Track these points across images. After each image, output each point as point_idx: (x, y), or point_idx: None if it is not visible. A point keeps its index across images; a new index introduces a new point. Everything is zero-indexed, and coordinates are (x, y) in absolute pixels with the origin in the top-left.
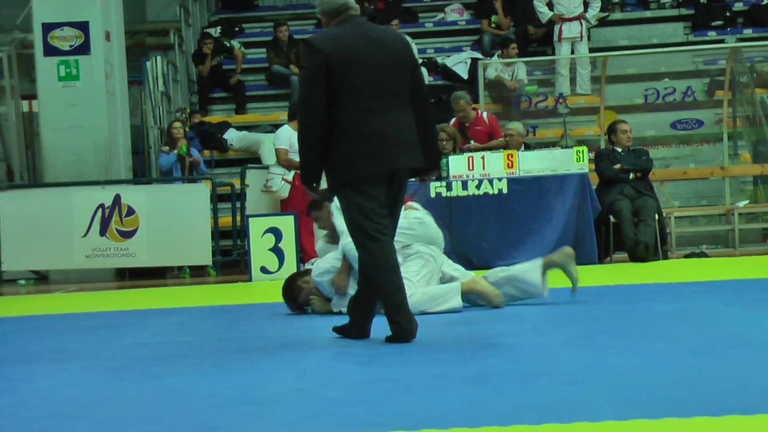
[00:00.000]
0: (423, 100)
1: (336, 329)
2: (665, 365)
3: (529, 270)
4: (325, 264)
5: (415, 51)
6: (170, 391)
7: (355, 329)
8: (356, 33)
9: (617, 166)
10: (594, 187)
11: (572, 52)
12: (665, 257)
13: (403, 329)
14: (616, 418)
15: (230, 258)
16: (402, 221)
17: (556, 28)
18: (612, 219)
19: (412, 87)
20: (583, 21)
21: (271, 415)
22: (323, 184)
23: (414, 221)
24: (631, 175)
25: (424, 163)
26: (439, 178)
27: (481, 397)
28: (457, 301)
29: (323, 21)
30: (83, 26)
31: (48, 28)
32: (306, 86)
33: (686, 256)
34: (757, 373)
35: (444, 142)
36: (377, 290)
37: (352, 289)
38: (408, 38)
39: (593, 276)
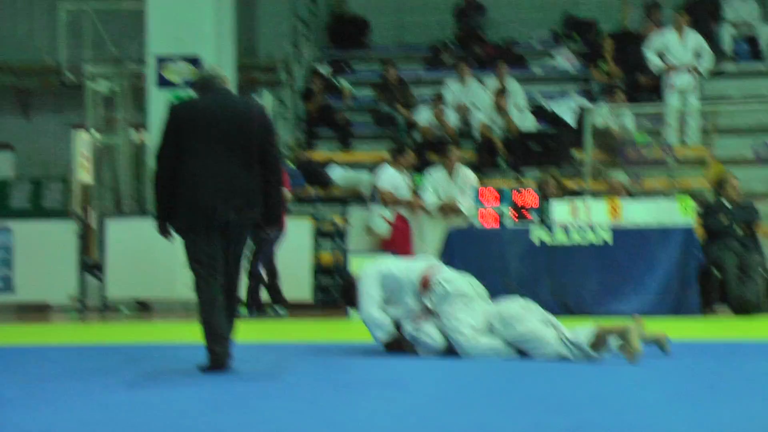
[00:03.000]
0: (271, 162)
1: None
2: None
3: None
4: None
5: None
6: (267, 427)
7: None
8: (212, 100)
9: (724, 219)
10: (699, 239)
11: (682, 103)
12: None
13: (219, 359)
14: None
15: (331, 296)
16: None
17: (666, 78)
18: (716, 272)
19: (261, 150)
20: (693, 72)
21: None
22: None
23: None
24: (738, 230)
25: (256, 214)
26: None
27: None
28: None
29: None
30: (195, 60)
31: (161, 61)
32: (159, 144)
33: None
34: None
35: (551, 187)
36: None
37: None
38: (264, 108)
39: (696, 329)
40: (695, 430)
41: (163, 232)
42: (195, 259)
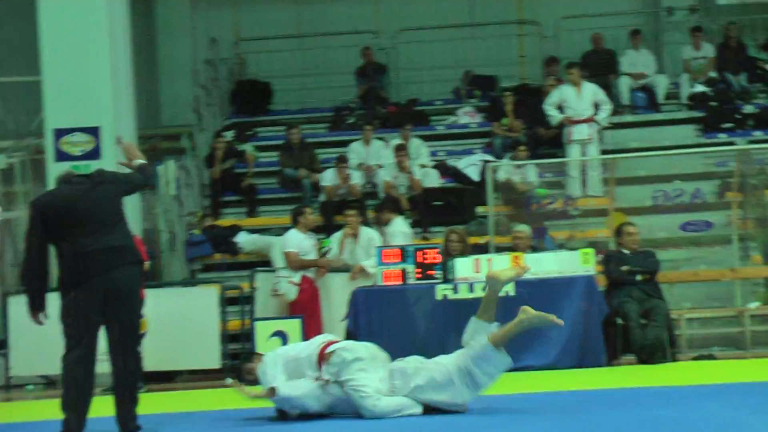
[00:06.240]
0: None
1: None
2: None
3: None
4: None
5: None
6: None
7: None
8: (67, 189)
9: (624, 268)
10: (602, 289)
11: (583, 154)
12: (674, 359)
13: (70, 426)
14: None
15: (239, 362)
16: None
17: (566, 130)
18: (619, 321)
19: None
20: (592, 123)
21: None
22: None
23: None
24: (639, 277)
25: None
26: None
27: None
28: (418, 410)
29: None
30: (94, 131)
31: (60, 133)
32: (27, 232)
33: (694, 359)
34: None
35: (454, 244)
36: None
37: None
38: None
39: (600, 379)
40: None
41: (38, 315)
42: (68, 327)
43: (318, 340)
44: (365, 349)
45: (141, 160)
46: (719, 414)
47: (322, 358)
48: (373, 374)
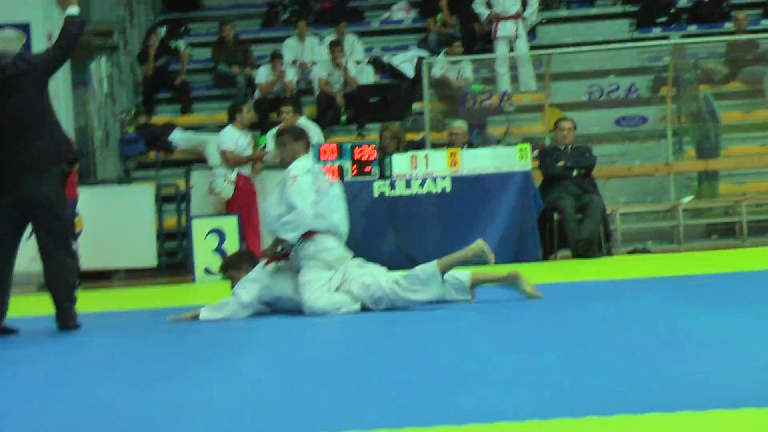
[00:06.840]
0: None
1: None
2: (594, 364)
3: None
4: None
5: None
6: (97, 396)
7: None
8: None
9: (560, 163)
10: (538, 184)
11: (511, 50)
12: (609, 254)
13: None
14: (539, 417)
15: (175, 260)
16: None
17: (493, 27)
18: (555, 216)
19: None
20: (519, 20)
21: (192, 421)
22: None
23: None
24: (575, 173)
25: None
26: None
27: (406, 400)
28: (356, 306)
29: None
30: (25, 27)
31: None
32: None
33: (629, 253)
34: (678, 370)
35: (388, 141)
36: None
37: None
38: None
39: (536, 274)
40: (523, 373)
41: None
42: None
43: (329, 222)
44: (338, 250)
45: (74, 7)
46: (653, 306)
47: (307, 236)
48: (326, 273)
